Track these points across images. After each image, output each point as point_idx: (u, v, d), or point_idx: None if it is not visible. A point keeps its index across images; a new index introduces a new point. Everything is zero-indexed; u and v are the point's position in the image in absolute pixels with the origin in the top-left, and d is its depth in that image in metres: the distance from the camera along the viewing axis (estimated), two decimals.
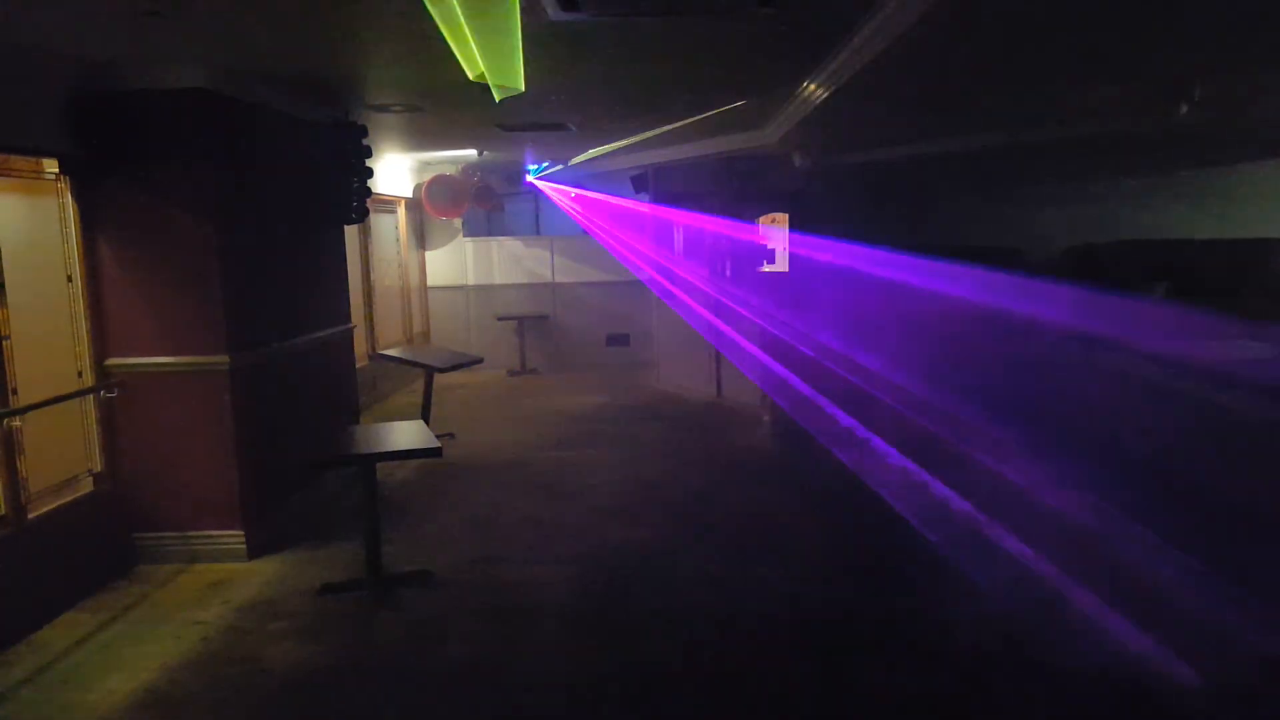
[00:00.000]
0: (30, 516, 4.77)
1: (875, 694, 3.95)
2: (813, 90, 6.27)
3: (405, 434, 5.36)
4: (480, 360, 9.49)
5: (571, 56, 5.30)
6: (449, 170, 12.01)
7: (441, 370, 8.61)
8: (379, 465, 5.21)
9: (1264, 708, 3.42)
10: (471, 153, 10.81)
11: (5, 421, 4.59)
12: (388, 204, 11.48)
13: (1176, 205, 11.13)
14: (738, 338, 9.52)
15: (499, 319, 12.79)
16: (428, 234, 12.90)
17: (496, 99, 5.11)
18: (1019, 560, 4.87)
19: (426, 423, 6.49)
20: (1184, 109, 6.50)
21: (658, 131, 9.18)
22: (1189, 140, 8.89)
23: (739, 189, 11.13)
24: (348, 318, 7.62)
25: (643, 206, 11.52)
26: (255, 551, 5.60)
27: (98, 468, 5.37)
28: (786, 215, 11.38)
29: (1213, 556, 3.80)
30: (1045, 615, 4.44)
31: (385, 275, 11.34)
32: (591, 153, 10.67)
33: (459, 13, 3.72)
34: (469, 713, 3.87)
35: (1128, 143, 8.91)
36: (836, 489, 6.89)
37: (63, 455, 5.21)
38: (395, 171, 11.33)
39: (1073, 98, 7.05)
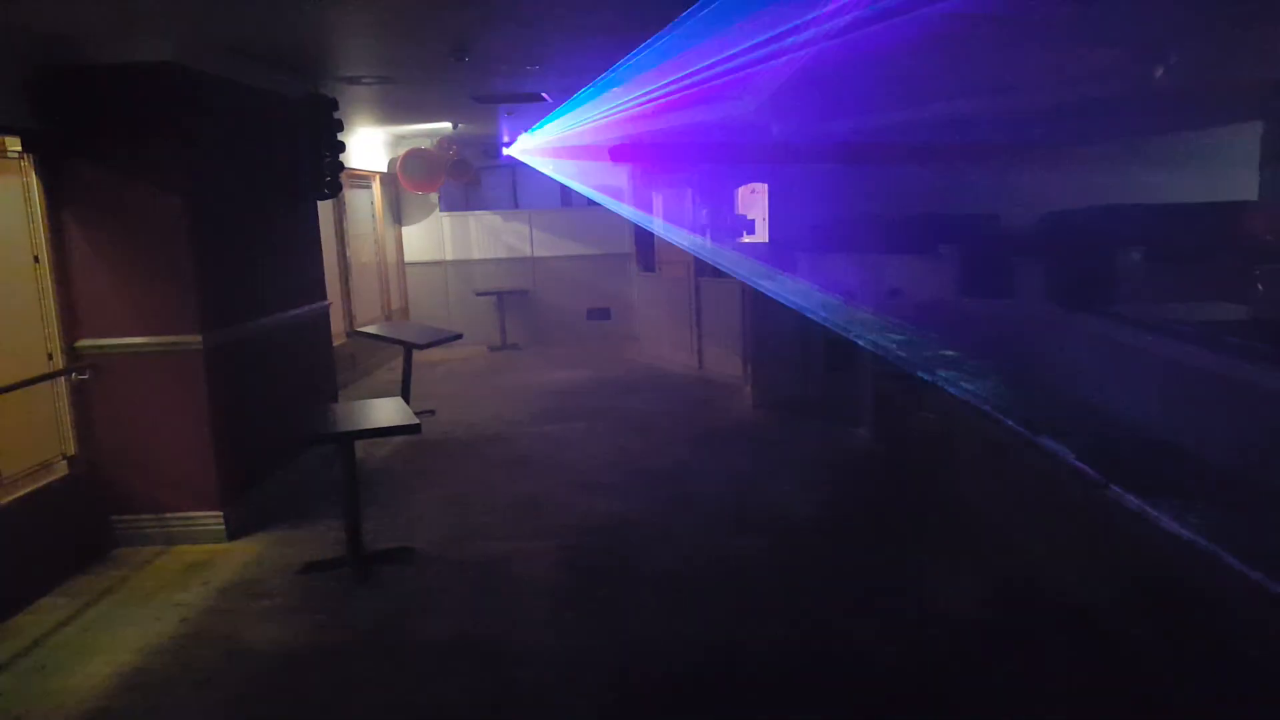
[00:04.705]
0: (3, 502, 4.71)
1: (865, 658, 3.98)
2: (789, 53, 6.20)
3: (384, 411, 5.31)
4: (459, 336, 9.43)
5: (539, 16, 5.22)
6: (424, 144, 11.86)
7: (420, 347, 8.54)
8: (359, 443, 5.17)
9: None
10: (446, 125, 10.67)
11: None
12: (362, 179, 11.33)
13: (1152, 169, 11.17)
14: None
15: (478, 294, 12.69)
16: (404, 209, 12.76)
17: None
18: None
19: (406, 400, 6.44)
20: (1159, 72, 6.50)
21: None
22: (1164, 104, 8.90)
23: (716, 156, 11.07)
24: (323, 294, 7.53)
25: None
26: (234, 532, 5.56)
27: (71, 451, 5.30)
28: (765, 185, 11.32)
29: None
30: None
31: (361, 251, 11.21)
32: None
33: None
34: (454, 689, 3.87)
35: (1103, 107, 8.91)
36: (822, 458, 6.92)
37: (35, 439, 5.13)
38: (369, 146, 11.17)
39: (1049, 62, 7.03)
